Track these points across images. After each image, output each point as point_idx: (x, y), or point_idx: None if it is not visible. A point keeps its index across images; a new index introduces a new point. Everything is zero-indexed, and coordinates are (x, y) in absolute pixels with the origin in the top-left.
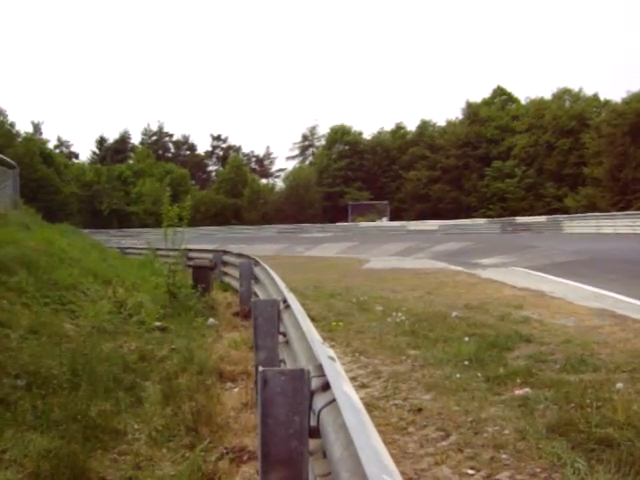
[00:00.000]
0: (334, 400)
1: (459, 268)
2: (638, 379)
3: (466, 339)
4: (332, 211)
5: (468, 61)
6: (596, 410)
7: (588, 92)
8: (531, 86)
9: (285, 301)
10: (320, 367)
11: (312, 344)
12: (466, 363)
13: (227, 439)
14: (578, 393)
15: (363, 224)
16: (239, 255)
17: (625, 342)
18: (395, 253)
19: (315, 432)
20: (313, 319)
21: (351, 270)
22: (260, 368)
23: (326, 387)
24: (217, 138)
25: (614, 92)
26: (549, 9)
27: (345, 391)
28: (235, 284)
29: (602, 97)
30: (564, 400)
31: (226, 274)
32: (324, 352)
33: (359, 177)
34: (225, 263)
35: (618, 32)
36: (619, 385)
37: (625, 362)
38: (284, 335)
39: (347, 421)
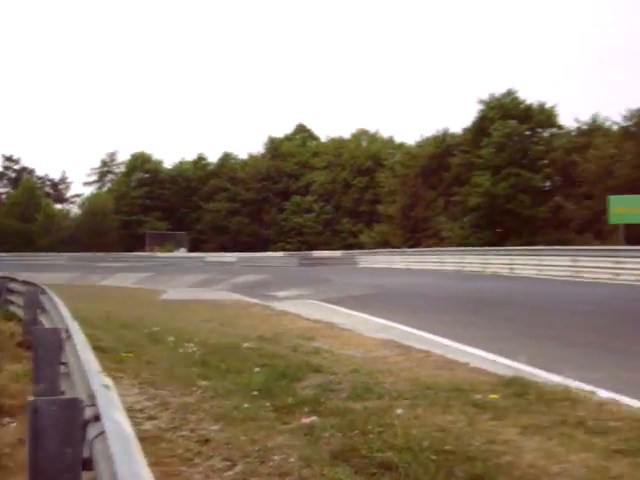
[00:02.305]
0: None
1: (255, 300)
2: (417, 405)
3: (257, 370)
4: (129, 240)
5: (272, 99)
6: (378, 435)
7: (384, 134)
8: (332, 125)
9: (67, 330)
10: (93, 396)
11: (87, 373)
12: (255, 393)
13: (2, 478)
14: (362, 420)
15: (161, 254)
16: (25, 282)
17: (408, 371)
18: (193, 284)
19: (89, 464)
20: (103, 350)
21: (146, 301)
22: (30, 398)
23: (99, 416)
24: (9, 159)
25: (408, 136)
26: (342, 50)
27: (116, 419)
28: (21, 313)
29: (397, 139)
30: (348, 427)
31: (12, 302)
32: (99, 380)
33: (158, 206)
34: (11, 291)
35: (409, 80)
36: (399, 411)
37: (407, 390)
38: (66, 365)
39: (113, 450)
